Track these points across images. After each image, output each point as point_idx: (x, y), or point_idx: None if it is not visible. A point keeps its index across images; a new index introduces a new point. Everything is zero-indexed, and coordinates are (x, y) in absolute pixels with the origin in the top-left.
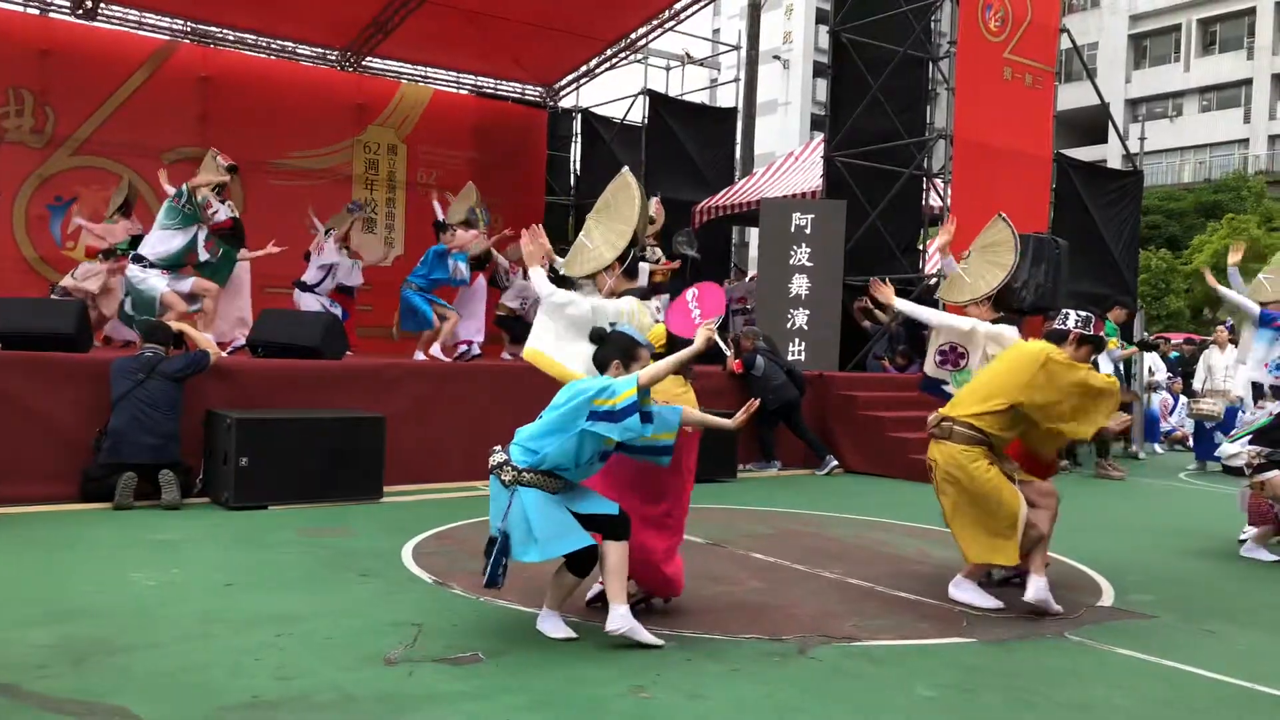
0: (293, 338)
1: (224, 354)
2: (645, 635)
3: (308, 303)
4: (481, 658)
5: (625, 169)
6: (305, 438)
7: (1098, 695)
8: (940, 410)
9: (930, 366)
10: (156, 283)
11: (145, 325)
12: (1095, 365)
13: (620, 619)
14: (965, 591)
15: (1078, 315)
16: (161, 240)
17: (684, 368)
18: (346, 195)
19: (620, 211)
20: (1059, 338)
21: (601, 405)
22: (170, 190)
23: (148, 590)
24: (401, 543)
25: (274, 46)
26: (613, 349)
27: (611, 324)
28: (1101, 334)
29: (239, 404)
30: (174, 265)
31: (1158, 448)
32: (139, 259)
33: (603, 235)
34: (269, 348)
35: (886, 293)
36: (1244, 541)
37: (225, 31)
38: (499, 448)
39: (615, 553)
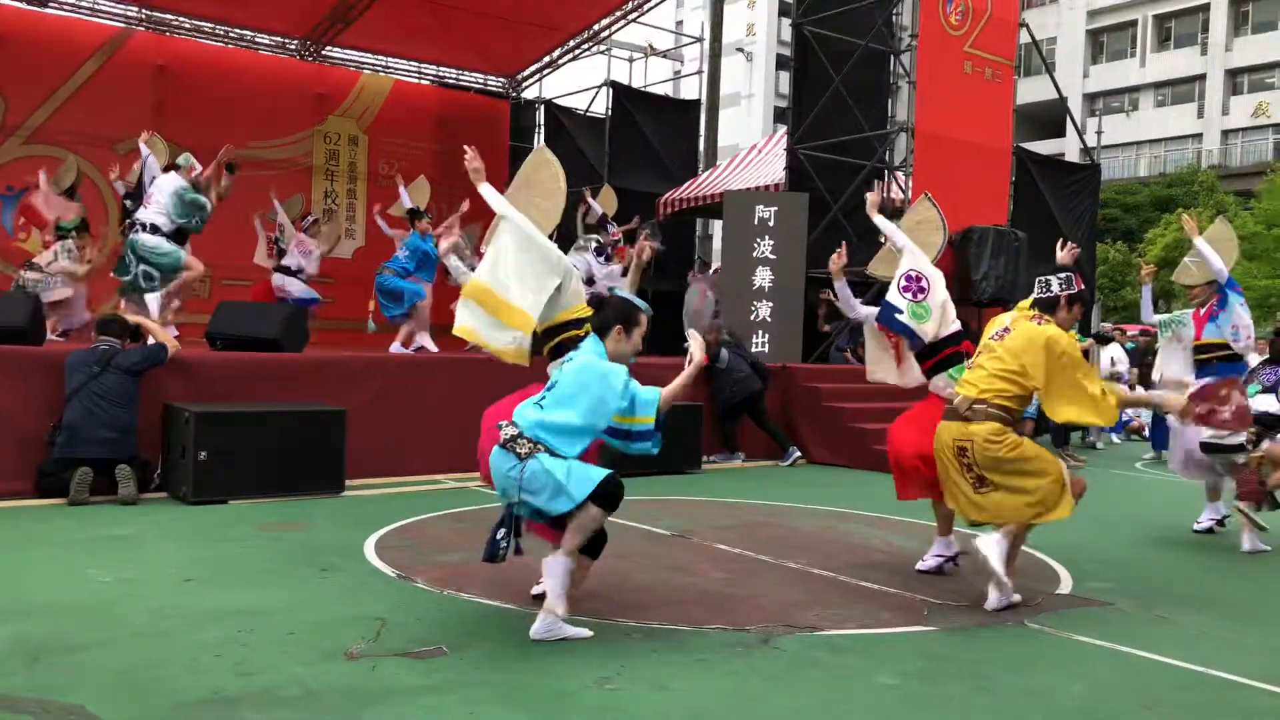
0: (252, 330)
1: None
2: (572, 630)
3: (294, 286)
4: (445, 652)
5: (541, 145)
6: (265, 431)
7: (1056, 681)
8: (964, 393)
9: (893, 292)
10: (174, 245)
11: (100, 318)
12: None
13: (550, 625)
14: (995, 556)
15: (1058, 279)
16: (172, 223)
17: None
18: (306, 186)
19: (544, 187)
20: (1049, 306)
21: (621, 423)
22: (180, 182)
23: (104, 587)
24: (364, 537)
25: (232, 35)
26: (612, 314)
27: (610, 288)
28: (1083, 288)
29: (197, 397)
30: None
31: (1114, 437)
32: (156, 229)
33: (526, 213)
34: (227, 340)
35: (875, 200)
36: (1204, 530)
37: (181, 19)
38: (506, 422)
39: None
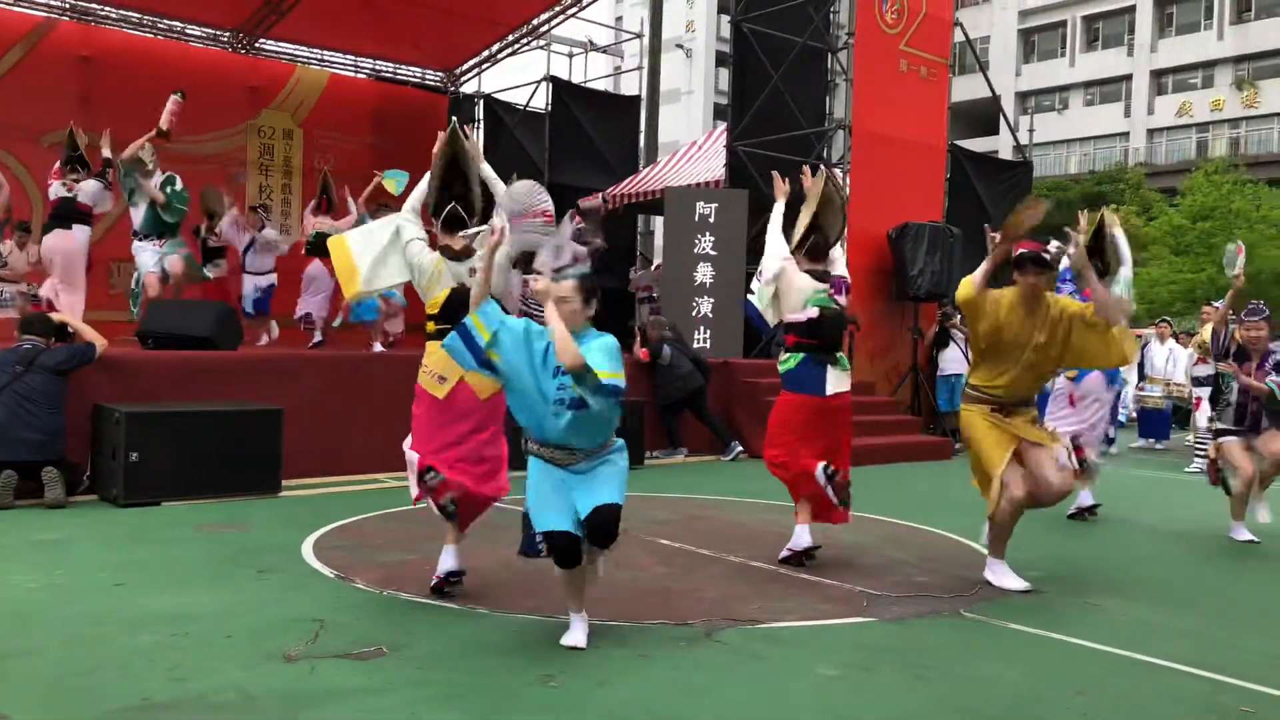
0: (184, 328)
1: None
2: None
3: (250, 287)
4: (385, 652)
5: (454, 119)
6: (199, 431)
7: (991, 669)
8: None
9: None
10: (147, 258)
11: (23, 317)
12: None
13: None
14: (999, 575)
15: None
16: (135, 212)
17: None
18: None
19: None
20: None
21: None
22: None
23: (29, 593)
24: (302, 537)
25: (161, 26)
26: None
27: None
28: (1040, 252)
29: (128, 397)
30: (154, 231)
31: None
32: (134, 234)
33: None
34: (159, 339)
35: (782, 189)
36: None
37: (108, 9)
38: None
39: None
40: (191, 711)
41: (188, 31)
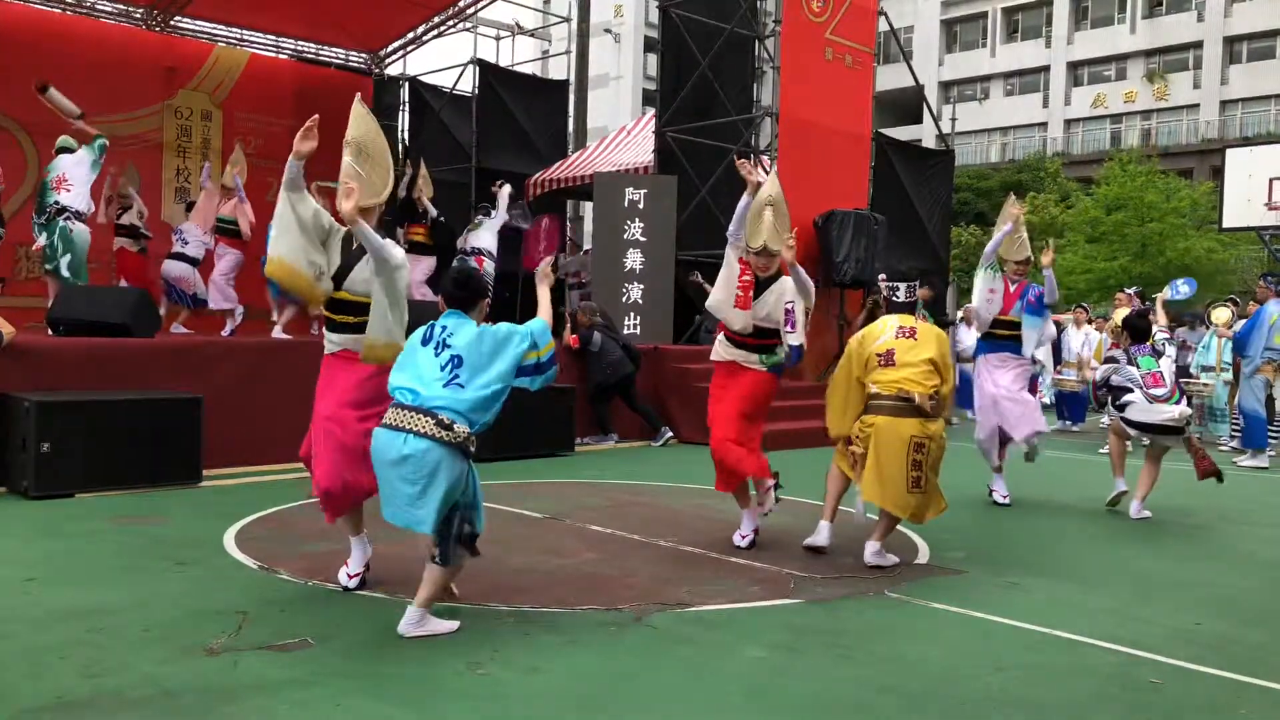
0: (99, 315)
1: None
2: (439, 625)
3: (200, 281)
4: (311, 643)
5: (357, 96)
6: (114, 421)
7: (914, 648)
8: (915, 390)
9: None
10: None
11: None
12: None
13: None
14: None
15: (906, 286)
16: (84, 197)
17: None
18: (155, 162)
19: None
20: (912, 308)
21: (530, 358)
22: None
23: None
24: (223, 528)
25: (70, 1)
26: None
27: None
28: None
29: (39, 386)
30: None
31: (969, 413)
32: (78, 215)
33: (377, 174)
34: (71, 326)
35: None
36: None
37: None
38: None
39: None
40: (108, 709)
41: (98, 7)
